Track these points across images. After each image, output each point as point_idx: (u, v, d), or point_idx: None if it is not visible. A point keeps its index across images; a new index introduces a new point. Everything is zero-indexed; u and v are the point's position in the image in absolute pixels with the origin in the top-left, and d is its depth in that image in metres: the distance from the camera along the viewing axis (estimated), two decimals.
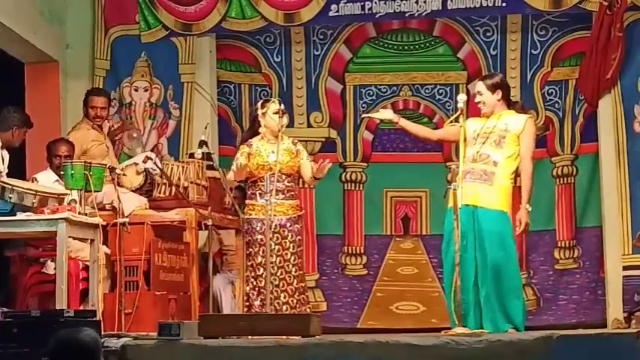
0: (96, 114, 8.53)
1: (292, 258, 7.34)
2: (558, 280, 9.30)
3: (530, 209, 7.01)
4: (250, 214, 7.38)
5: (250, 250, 7.34)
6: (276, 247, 7.29)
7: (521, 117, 7.14)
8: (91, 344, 4.27)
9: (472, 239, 6.91)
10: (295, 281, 7.34)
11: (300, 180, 7.67)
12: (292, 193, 7.44)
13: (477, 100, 7.20)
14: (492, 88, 7.13)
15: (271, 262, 7.22)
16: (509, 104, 7.22)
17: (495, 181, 6.95)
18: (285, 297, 7.26)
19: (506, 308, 6.88)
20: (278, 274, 7.27)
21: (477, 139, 7.04)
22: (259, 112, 7.52)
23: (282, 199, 7.35)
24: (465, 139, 6.96)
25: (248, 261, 7.39)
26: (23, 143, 8.75)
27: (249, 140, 7.52)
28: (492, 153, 6.99)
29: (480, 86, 7.19)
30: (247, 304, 7.38)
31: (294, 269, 7.34)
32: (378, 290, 9.53)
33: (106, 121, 8.82)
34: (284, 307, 7.23)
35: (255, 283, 7.29)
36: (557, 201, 9.37)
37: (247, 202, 7.46)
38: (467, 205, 6.85)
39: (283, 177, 7.38)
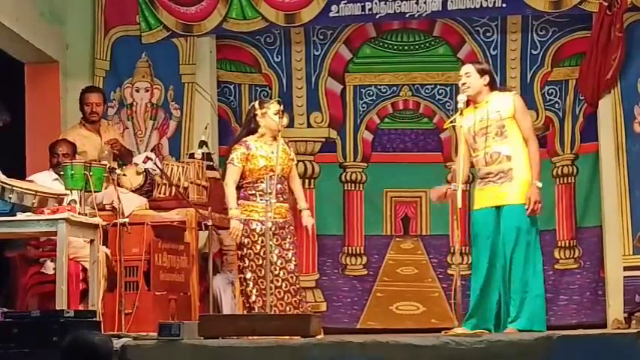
0: (91, 110, 8.56)
1: (293, 258, 7.35)
2: (559, 281, 9.29)
3: (540, 185, 6.80)
4: (250, 216, 7.32)
5: (249, 251, 7.30)
6: (277, 248, 7.27)
7: (506, 97, 6.99)
8: (105, 348, 4.29)
9: (490, 241, 6.85)
10: (297, 281, 7.35)
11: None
12: (288, 195, 7.44)
13: (462, 82, 7.04)
14: (481, 72, 7.01)
15: (272, 264, 7.20)
16: (493, 90, 7.08)
17: (515, 175, 6.82)
18: (288, 297, 7.25)
19: (522, 304, 6.80)
20: (280, 274, 7.25)
21: (476, 137, 6.97)
22: (258, 112, 7.43)
23: (282, 201, 7.33)
24: (464, 140, 6.94)
25: (245, 262, 7.33)
26: (23, 143, 8.77)
27: (245, 139, 7.41)
28: (501, 148, 6.87)
29: (469, 68, 7.07)
30: (248, 305, 7.35)
31: (295, 269, 7.35)
32: (378, 290, 9.53)
33: (104, 120, 8.84)
34: (287, 308, 7.23)
35: (258, 285, 7.24)
36: (558, 201, 9.37)
37: (244, 202, 7.30)
38: (489, 207, 6.83)
39: (282, 178, 7.37)
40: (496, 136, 6.88)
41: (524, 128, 6.92)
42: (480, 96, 6.99)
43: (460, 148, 6.88)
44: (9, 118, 7.30)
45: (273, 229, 7.22)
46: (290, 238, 7.34)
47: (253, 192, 7.30)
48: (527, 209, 6.76)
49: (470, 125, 6.96)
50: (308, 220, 7.48)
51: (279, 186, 7.27)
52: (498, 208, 6.83)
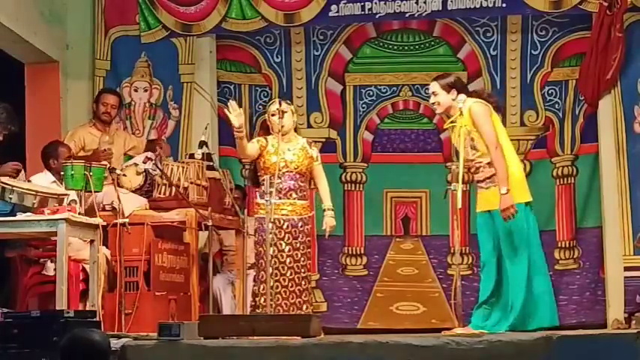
0: (105, 110, 8.69)
1: (302, 259, 7.35)
2: (558, 281, 9.28)
3: (504, 192, 6.64)
4: (260, 214, 7.33)
5: (260, 249, 7.31)
6: (287, 247, 7.29)
7: (465, 108, 6.84)
8: (104, 345, 4.30)
9: (491, 243, 6.85)
10: (304, 282, 7.35)
11: (311, 181, 7.65)
12: (304, 193, 7.44)
13: (431, 101, 7.04)
14: (447, 88, 6.94)
15: (281, 263, 7.22)
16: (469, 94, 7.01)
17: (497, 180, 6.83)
18: (293, 297, 7.27)
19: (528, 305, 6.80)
20: (287, 274, 7.26)
21: (458, 148, 6.96)
22: (267, 113, 7.56)
23: (294, 198, 7.35)
24: (464, 142, 6.92)
25: (257, 260, 7.38)
26: (23, 143, 8.76)
27: (266, 137, 7.53)
28: (477, 158, 6.84)
29: (434, 86, 7.00)
30: (253, 303, 7.36)
31: (303, 270, 7.34)
32: (379, 291, 9.53)
33: (114, 124, 8.89)
34: (292, 308, 7.23)
35: (264, 284, 7.22)
36: (557, 201, 9.37)
37: (260, 201, 7.31)
38: (483, 211, 6.84)
39: (297, 176, 7.38)
40: (471, 148, 6.84)
41: (484, 136, 6.77)
42: (452, 110, 6.94)
43: (461, 150, 6.82)
44: (15, 128, 7.31)
45: (285, 226, 7.25)
46: (302, 238, 7.34)
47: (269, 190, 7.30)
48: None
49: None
50: (328, 220, 7.48)
51: (291, 182, 7.32)
52: (491, 212, 6.83)
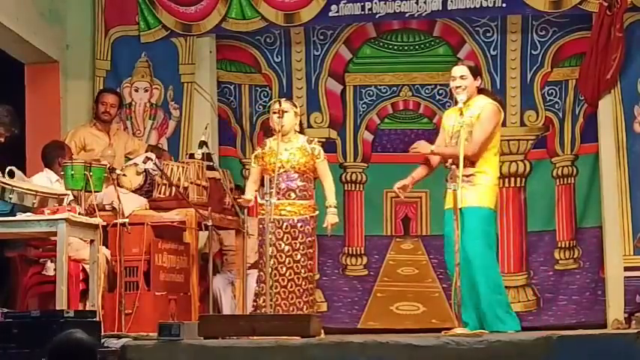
0: (105, 109, 8.74)
1: (302, 259, 7.33)
2: (558, 281, 9.30)
3: (430, 149, 6.98)
4: (261, 214, 7.33)
5: (261, 249, 7.33)
6: (286, 247, 7.29)
7: (482, 102, 6.88)
8: (93, 345, 4.29)
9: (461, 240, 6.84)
10: (304, 283, 7.33)
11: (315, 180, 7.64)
12: (305, 192, 7.42)
13: (457, 85, 6.93)
14: (475, 74, 6.97)
15: (280, 263, 7.22)
16: (481, 92, 7.06)
17: (476, 181, 6.85)
18: (292, 298, 7.27)
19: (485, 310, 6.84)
20: (287, 274, 7.26)
21: (452, 139, 6.94)
22: (270, 113, 7.57)
23: (294, 198, 7.34)
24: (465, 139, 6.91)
25: (259, 260, 7.39)
26: (23, 143, 8.76)
27: (265, 140, 7.56)
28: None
29: (463, 70, 6.96)
30: (255, 303, 7.37)
31: (302, 270, 7.33)
32: (379, 291, 9.53)
33: (115, 124, 8.90)
34: (291, 309, 7.22)
35: (264, 284, 7.23)
36: (558, 201, 9.38)
37: (262, 201, 7.32)
38: (451, 208, 6.81)
39: (296, 176, 7.38)
40: (465, 140, 6.78)
41: (476, 133, 6.77)
42: (471, 98, 6.95)
43: (460, 148, 6.78)
44: (17, 130, 7.31)
45: (284, 227, 7.25)
46: (302, 238, 7.33)
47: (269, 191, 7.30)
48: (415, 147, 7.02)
49: (454, 124, 6.94)
50: (330, 217, 7.45)
51: (289, 182, 7.32)
52: (461, 209, 6.78)
